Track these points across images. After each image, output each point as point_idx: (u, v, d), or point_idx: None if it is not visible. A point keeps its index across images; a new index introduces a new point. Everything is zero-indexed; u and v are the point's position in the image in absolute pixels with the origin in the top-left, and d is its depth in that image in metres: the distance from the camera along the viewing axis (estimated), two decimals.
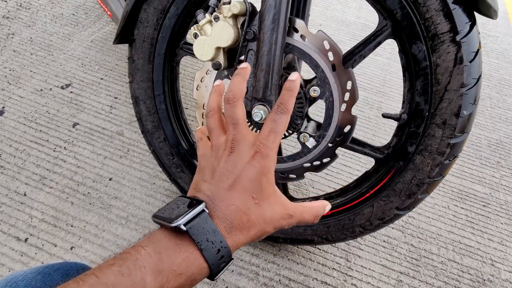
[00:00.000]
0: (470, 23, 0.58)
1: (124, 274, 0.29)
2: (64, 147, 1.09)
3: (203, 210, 0.34)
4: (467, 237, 1.04)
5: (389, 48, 1.73)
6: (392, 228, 1.03)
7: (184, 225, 0.32)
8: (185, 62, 1.47)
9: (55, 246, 0.88)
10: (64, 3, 1.65)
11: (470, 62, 0.59)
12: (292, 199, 0.87)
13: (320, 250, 0.95)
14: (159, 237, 0.33)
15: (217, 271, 0.33)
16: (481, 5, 0.57)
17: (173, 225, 0.32)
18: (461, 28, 0.57)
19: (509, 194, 1.18)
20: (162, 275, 0.31)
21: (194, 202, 0.34)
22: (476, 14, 0.60)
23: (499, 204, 1.14)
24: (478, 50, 0.60)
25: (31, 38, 1.44)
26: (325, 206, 0.42)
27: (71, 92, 1.26)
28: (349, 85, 0.65)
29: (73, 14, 1.60)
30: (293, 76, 0.41)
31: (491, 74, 1.71)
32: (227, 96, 0.39)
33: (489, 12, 0.58)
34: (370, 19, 1.93)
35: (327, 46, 0.63)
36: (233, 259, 0.35)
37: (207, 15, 0.62)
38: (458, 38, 0.58)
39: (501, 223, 1.09)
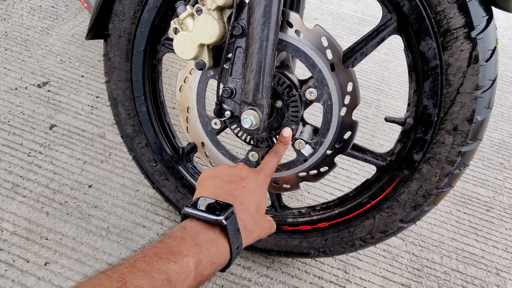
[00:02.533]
0: (487, 17, 0.51)
1: (172, 262, 0.36)
2: (40, 152, 1.01)
3: (233, 212, 0.43)
4: (470, 244, 0.99)
5: (388, 44, 1.66)
6: None
7: (225, 219, 0.41)
8: (172, 58, 1.38)
9: (28, 261, 0.80)
10: None
11: (487, 61, 0.52)
12: (285, 208, 0.80)
13: (316, 261, 0.89)
14: (196, 230, 0.41)
15: (230, 264, 0.43)
16: None
17: (220, 218, 0.41)
18: (477, 23, 0.50)
19: None
20: (202, 264, 0.38)
21: (223, 204, 0.44)
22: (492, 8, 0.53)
23: (503, 208, 1.09)
24: (495, 47, 0.53)
25: (6, 32, 1.34)
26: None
27: (49, 91, 1.17)
28: (349, 87, 0.58)
29: (53, 7, 1.49)
30: (286, 132, 0.61)
31: None
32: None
33: (507, 6, 0.51)
34: (367, 13, 1.86)
35: (325, 43, 0.56)
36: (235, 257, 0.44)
37: (188, 7, 0.55)
38: (473, 34, 0.51)
39: (506, 229, 1.04)
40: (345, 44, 1.62)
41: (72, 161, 1.00)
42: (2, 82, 1.17)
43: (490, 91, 0.55)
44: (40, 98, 1.15)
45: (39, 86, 1.18)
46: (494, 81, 0.54)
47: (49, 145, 1.03)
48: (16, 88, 1.16)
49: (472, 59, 0.52)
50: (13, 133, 1.04)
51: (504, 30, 1.95)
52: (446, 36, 0.53)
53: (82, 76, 1.24)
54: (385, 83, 1.47)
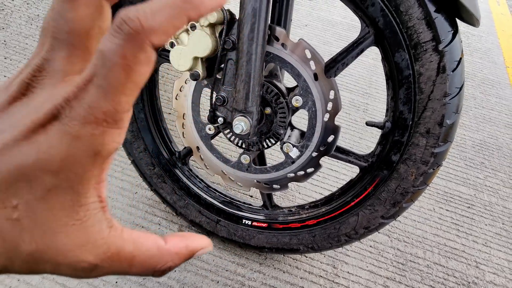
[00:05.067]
0: (452, 31, 0.57)
1: None
2: None
3: None
4: (452, 239, 1.05)
5: (375, 49, 1.72)
6: (379, 232, 1.03)
7: None
8: (167, 66, 1.43)
9: None
10: (40, 3, 1.58)
11: (453, 71, 0.58)
12: (276, 207, 0.86)
13: (306, 257, 0.94)
14: None
15: None
16: (463, 13, 0.56)
17: None
18: (443, 37, 0.56)
19: (492, 195, 1.20)
20: None
21: None
22: (459, 21, 0.59)
23: (483, 205, 1.16)
24: (461, 58, 0.59)
25: (5, 41, 1.38)
26: (194, 253, 0.20)
27: None
28: (331, 94, 0.64)
29: None
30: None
31: (474, 73, 1.73)
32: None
33: (472, 20, 0.57)
34: (356, 19, 1.93)
35: (308, 55, 0.62)
36: None
37: None
38: (440, 47, 0.57)
39: (485, 225, 1.10)
40: (334, 50, 1.68)
41: None
42: None
43: (457, 97, 0.61)
44: None
45: None
46: (460, 88, 0.60)
47: None
48: None
49: (440, 69, 0.58)
50: None
51: (487, 35, 2.03)
52: (417, 48, 0.58)
53: None
54: (373, 87, 1.53)
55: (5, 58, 1.32)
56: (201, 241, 0.20)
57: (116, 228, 0.18)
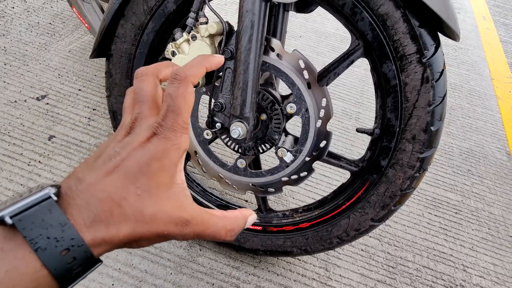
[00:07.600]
0: (435, 45, 0.61)
1: None
2: (39, 161, 1.07)
3: (48, 197, 0.25)
4: (440, 243, 1.08)
5: (366, 60, 1.78)
6: (370, 236, 1.06)
7: (12, 217, 0.23)
8: None
9: None
10: (41, 11, 1.62)
11: (436, 81, 0.63)
12: (271, 211, 0.88)
13: (300, 260, 0.97)
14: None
15: (66, 279, 0.24)
16: (444, 28, 0.61)
17: (2, 213, 0.23)
18: (426, 50, 0.61)
19: (479, 201, 1.24)
20: None
21: (39, 188, 0.25)
22: (441, 35, 0.64)
23: (470, 211, 1.20)
24: (443, 70, 0.63)
25: (5, 47, 1.41)
26: (247, 218, 0.32)
27: (47, 103, 1.23)
28: (323, 102, 0.68)
29: (50, 23, 1.57)
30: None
31: (462, 85, 1.80)
32: (137, 71, 0.32)
33: (452, 35, 0.62)
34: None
35: (302, 65, 0.65)
36: (99, 260, 0.26)
37: (184, 34, 0.63)
38: (424, 59, 0.61)
39: (472, 229, 1.14)
40: (327, 60, 1.73)
41: (70, 170, 1.06)
42: (2, 95, 1.23)
43: (441, 106, 0.65)
44: (39, 111, 1.21)
45: (37, 99, 1.24)
46: (443, 97, 0.65)
47: (48, 155, 1.09)
48: (15, 101, 1.22)
49: (424, 79, 0.63)
50: (13, 143, 1.10)
51: (474, 48, 2.12)
52: (402, 60, 0.63)
53: (80, 90, 1.31)
54: (365, 96, 1.58)
55: (5, 64, 1.34)
56: (249, 211, 0.32)
57: (194, 202, 0.29)
